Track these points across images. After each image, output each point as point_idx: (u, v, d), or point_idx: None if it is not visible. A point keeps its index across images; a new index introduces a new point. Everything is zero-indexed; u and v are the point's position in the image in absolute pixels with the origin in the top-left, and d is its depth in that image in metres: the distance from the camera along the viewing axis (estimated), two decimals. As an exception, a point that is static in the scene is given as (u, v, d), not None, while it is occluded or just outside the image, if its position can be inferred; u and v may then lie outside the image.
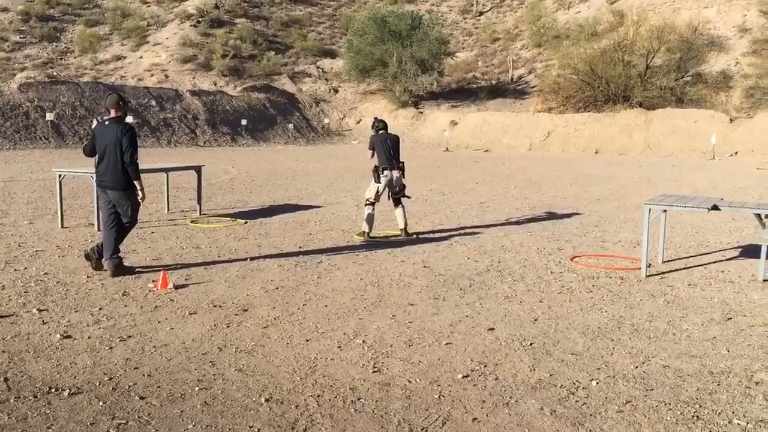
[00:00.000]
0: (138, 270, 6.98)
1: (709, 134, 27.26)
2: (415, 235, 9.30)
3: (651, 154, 28.45)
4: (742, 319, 5.60)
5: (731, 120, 28.60)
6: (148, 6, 48.97)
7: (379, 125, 9.50)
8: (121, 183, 6.74)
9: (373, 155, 9.33)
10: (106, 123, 6.84)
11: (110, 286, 6.36)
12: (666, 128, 29.72)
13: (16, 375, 4.21)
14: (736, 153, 26.54)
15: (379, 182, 9.10)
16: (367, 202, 9.10)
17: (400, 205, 9.29)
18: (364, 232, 9.08)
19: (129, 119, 7.10)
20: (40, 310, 5.53)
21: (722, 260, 7.98)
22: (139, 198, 6.87)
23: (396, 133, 9.73)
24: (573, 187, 15.97)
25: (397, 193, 9.25)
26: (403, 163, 9.28)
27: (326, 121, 40.45)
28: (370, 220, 9.03)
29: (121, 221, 6.87)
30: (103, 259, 6.79)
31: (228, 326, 5.27)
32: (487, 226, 10.25)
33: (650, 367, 4.49)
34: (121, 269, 6.78)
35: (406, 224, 9.31)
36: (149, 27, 45.64)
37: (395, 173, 9.14)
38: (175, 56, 41.69)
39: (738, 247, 8.75)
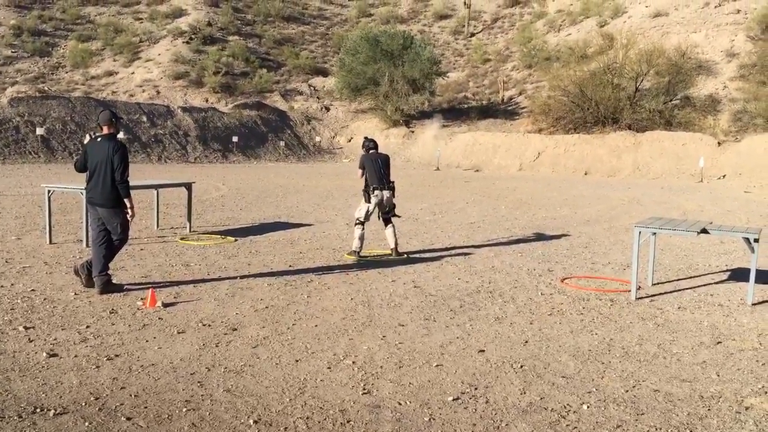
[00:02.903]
0: (126, 287, 6.93)
1: (698, 157, 27.48)
2: (405, 255, 9.29)
3: (640, 176, 28.64)
4: (732, 343, 5.61)
5: (719, 143, 28.84)
6: (141, 22, 49.06)
7: (370, 145, 9.51)
8: (111, 200, 6.72)
9: (363, 174, 9.33)
10: (98, 139, 6.83)
11: (98, 304, 6.30)
12: (655, 150, 29.94)
13: (1, 394, 4.15)
14: (724, 176, 26.74)
15: (370, 202, 9.11)
16: (357, 222, 9.09)
17: (390, 225, 9.29)
18: (354, 251, 9.06)
19: (120, 135, 7.09)
20: (26, 328, 5.47)
21: (711, 283, 8.00)
22: (128, 216, 6.84)
23: (386, 153, 9.74)
24: (563, 208, 16.03)
25: (387, 213, 9.26)
26: (393, 182, 9.29)
27: (317, 139, 40.52)
28: (360, 239, 9.02)
29: (110, 239, 6.82)
30: (93, 276, 6.74)
31: (217, 345, 5.22)
32: (478, 247, 10.26)
33: (641, 391, 4.48)
34: (109, 287, 6.72)
35: (396, 244, 9.31)
36: (141, 43, 45.70)
37: (386, 193, 9.15)
38: (167, 72, 41.72)
39: (726, 271, 8.78)
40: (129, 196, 6.79)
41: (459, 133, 37.78)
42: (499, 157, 33.93)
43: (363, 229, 9.07)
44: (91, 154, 6.81)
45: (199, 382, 4.47)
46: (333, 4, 60.01)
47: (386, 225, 9.32)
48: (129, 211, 6.80)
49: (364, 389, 4.41)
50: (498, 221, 13.40)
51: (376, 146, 9.55)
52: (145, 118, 33.70)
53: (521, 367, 4.92)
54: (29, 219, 11.69)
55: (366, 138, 9.78)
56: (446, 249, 10.01)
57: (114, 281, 6.91)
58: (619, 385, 4.60)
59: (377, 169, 9.16)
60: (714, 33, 38.14)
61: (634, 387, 4.56)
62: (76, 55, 42.10)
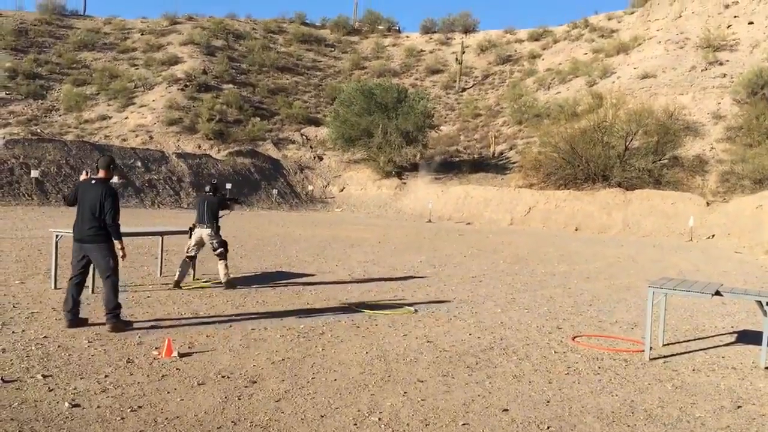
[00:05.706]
0: (136, 334, 6.86)
1: (686, 216, 27.85)
2: (236, 286, 10.29)
3: (630, 233, 28.91)
4: (752, 408, 5.62)
5: (708, 203, 29.27)
6: (137, 68, 49.58)
7: (207, 187, 10.66)
8: (99, 236, 7.04)
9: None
10: (93, 182, 7.22)
11: (113, 353, 6.23)
12: (644, 208, 30.32)
13: (29, 446, 4.08)
14: (713, 236, 27.05)
15: (190, 238, 10.35)
16: (186, 254, 10.25)
17: (222, 260, 10.24)
18: (176, 281, 9.97)
19: (114, 180, 7.60)
20: (44, 376, 5.39)
21: (720, 345, 8.04)
22: (120, 257, 7.21)
23: (217, 198, 10.44)
24: (560, 264, 16.11)
25: (215, 250, 10.28)
26: (214, 223, 10.24)
27: (310, 187, 40.72)
28: (181, 270, 10.02)
29: (84, 280, 7.30)
30: (64, 311, 7.08)
31: (239, 398, 5.17)
32: (483, 301, 10.27)
33: (672, 455, 4.47)
34: (75, 322, 7.04)
35: (227, 276, 10.26)
36: (136, 89, 46.10)
37: (204, 231, 10.22)
38: (161, 118, 42.01)
39: (733, 332, 8.83)
40: (120, 239, 7.17)
41: (451, 186, 38.10)
42: (491, 211, 34.20)
43: (189, 260, 10.19)
44: (82, 195, 7.16)
45: (227, 436, 4.41)
46: (327, 56, 61.11)
47: (219, 260, 10.27)
48: (121, 252, 7.18)
49: (394, 448, 4.37)
50: (498, 275, 13.44)
51: (212, 190, 10.52)
52: (139, 163, 33.76)
53: (548, 428, 4.90)
54: (30, 263, 11.59)
55: (211, 182, 10.82)
56: (452, 303, 10.01)
57: (76, 323, 7.12)
58: (648, 448, 4.59)
59: (200, 209, 10.28)
60: (701, 95, 39.10)
61: (663, 450, 4.56)
62: (70, 98, 42.36)
